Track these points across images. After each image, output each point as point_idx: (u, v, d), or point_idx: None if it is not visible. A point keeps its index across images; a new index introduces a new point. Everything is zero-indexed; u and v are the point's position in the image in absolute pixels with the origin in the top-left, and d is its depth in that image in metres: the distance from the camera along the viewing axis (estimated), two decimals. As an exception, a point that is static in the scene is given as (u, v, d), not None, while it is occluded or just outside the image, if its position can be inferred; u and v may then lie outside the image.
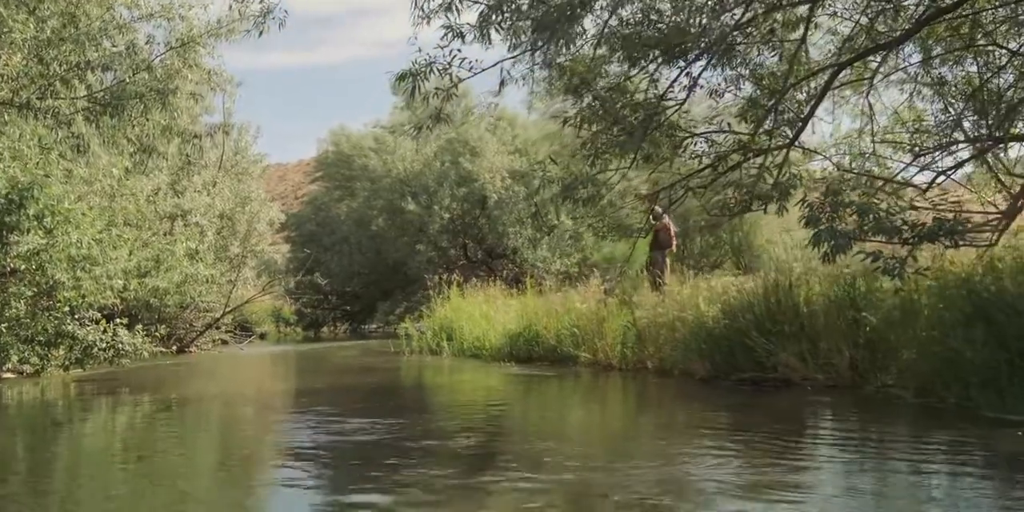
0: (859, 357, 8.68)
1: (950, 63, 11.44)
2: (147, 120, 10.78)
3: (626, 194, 9.44)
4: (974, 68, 11.33)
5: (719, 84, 7.86)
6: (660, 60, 7.08)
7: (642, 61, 7.11)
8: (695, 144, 8.66)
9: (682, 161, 8.92)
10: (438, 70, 6.85)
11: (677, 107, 7.61)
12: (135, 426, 8.25)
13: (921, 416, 6.91)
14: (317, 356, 18.93)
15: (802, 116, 9.16)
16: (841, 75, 9.89)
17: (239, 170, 23.06)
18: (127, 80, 10.84)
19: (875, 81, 11.42)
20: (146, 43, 10.60)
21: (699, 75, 7.33)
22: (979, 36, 10.82)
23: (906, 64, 11.67)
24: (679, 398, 9.13)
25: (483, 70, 6.81)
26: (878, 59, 10.86)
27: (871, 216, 6.20)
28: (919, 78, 11.87)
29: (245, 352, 20.25)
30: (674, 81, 7.41)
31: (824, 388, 8.65)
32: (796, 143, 9.16)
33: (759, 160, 9.30)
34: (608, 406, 9.26)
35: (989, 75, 10.98)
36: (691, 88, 7.39)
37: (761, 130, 8.85)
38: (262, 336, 28.73)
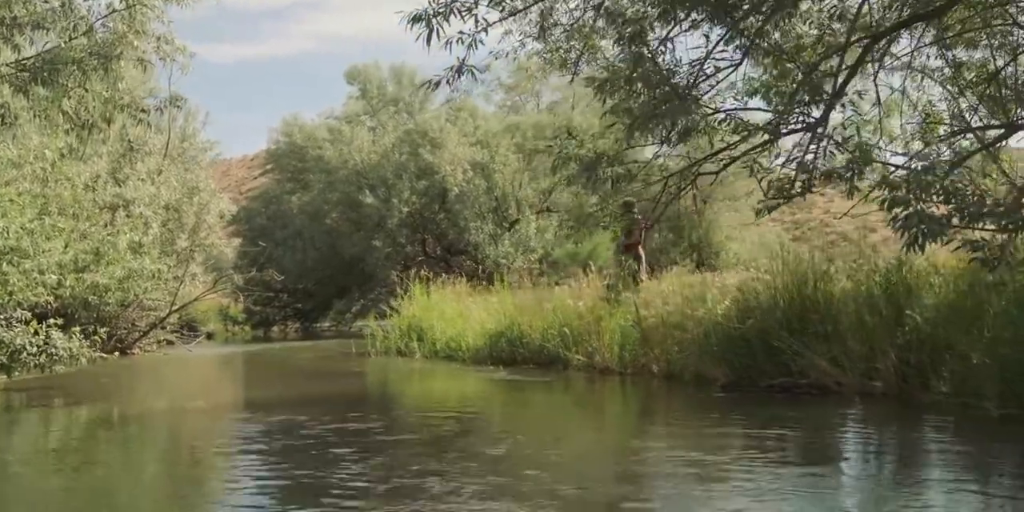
0: (907, 361, 7.74)
1: (961, 46, 10.66)
2: (86, 91, 9.34)
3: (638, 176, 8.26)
4: (988, 53, 10.57)
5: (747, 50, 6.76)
6: (706, 17, 6.00)
7: (684, 16, 6.03)
8: (727, 122, 7.61)
9: (708, 140, 7.87)
10: (459, 11, 5.66)
11: (732, 69, 6.57)
12: (69, 447, 6.89)
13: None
14: (273, 358, 17.49)
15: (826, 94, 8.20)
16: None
17: (186, 158, 21.46)
18: (62, 45, 9.39)
19: (882, 64, 10.58)
20: (84, 0, 9.17)
21: (759, 31, 6.26)
22: (996, 15, 10.03)
23: (919, 45, 10.86)
24: (707, 410, 7.97)
25: (519, 10, 5.65)
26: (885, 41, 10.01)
27: (970, 199, 5.21)
28: (931, 59, 11.07)
29: (193, 354, 18.72)
30: (722, 39, 6.34)
31: (869, 396, 7.69)
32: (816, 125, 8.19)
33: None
34: (625, 422, 8.08)
35: (1010, 60, 10.20)
36: (748, 49, 6.33)
37: (795, 107, 7.87)
38: (209, 336, 27.07)
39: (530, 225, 28.63)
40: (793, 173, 6.23)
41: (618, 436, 6.88)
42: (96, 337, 11.57)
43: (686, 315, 9.68)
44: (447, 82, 6.61)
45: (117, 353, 14.57)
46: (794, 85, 7.78)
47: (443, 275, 17.53)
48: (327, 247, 30.41)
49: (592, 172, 6.55)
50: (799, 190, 6.20)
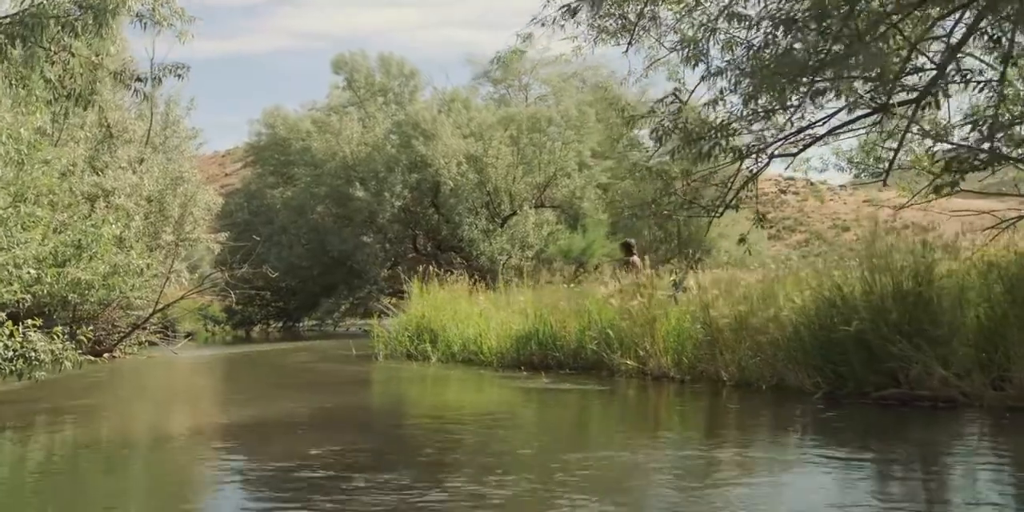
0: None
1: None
2: (72, 55, 7.98)
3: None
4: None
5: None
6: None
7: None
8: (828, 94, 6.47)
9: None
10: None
11: (912, 9, 5.42)
12: (44, 479, 5.58)
13: None
14: (267, 362, 16.08)
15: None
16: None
17: (169, 146, 20.00)
18: (45, 2, 8.03)
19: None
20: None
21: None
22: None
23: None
24: (834, 433, 6.60)
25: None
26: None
27: None
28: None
29: (179, 356, 17.25)
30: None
31: (1013, 411, 6.58)
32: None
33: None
34: (745, 454, 6.59)
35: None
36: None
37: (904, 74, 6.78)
38: (188, 336, 25.54)
39: (528, 220, 27.47)
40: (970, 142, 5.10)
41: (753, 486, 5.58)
42: (82, 337, 10.17)
43: (767, 316, 8.53)
44: (557, 22, 5.41)
45: (106, 355, 13.19)
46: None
47: (452, 273, 16.24)
48: (313, 243, 29.02)
49: (713, 143, 5.38)
50: (984, 160, 5.07)
